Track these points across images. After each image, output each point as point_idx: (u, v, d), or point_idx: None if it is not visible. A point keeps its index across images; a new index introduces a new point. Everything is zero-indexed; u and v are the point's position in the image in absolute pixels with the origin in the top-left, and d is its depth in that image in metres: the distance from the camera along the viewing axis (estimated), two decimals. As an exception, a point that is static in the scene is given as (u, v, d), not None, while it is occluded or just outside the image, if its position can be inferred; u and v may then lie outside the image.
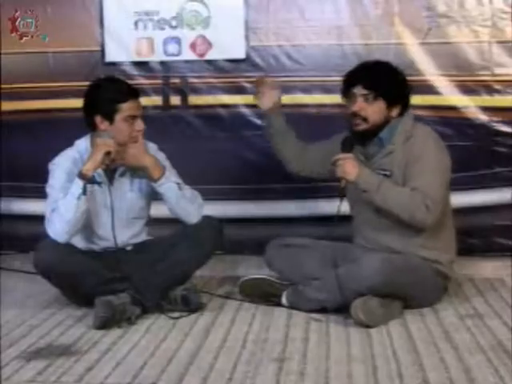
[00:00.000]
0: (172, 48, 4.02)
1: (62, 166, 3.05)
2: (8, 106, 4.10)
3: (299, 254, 3.19)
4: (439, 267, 3.04)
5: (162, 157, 3.16)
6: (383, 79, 3.01)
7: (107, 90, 3.04)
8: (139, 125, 3.04)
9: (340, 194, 3.01)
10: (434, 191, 2.92)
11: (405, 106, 3.06)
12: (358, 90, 3.01)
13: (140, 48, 4.04)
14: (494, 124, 3.86)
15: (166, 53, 4.04)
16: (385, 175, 3.00)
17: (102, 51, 4.04)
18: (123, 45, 4.04)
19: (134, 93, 3.07)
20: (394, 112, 3.03)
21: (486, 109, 3.86)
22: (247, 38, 3.97)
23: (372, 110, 3.00)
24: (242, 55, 3.98)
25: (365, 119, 3.01)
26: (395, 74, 3.06)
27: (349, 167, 2.94)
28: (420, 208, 2.90)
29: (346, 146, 3.02)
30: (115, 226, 3.04)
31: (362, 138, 3.05)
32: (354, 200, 3.12)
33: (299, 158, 3.32)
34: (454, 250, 3.14)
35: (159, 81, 4.07)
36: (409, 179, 2.96)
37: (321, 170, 3.25)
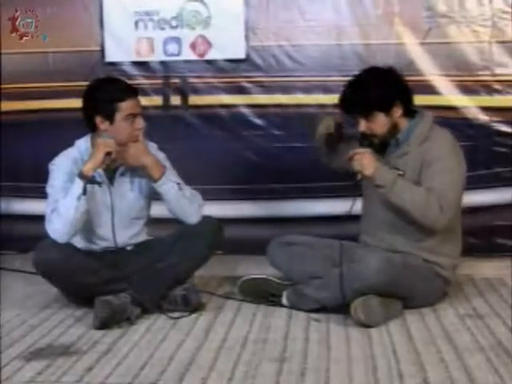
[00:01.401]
0: (172, 48, 4.02)
1: (62, 166, 3.05)
2: (8, 105, 4.11)
3: (301, 252, 3.18)
4: (440, 270, 3.04)
5: (162, 157, 3.16)
6: (369, 95, 2.96)
7: (106, 90, 3.04)
8: (140, 123, 3.04)
9: (355, 187, 3.02)
10: (450, 193, 2.92)
11: (405, 102, 3.03)
12: (356, 114, 3.02)
13: (140, 48, 4.04)
14: (494, 124, 3.86)
15: (165, 53, 4.04)
16: (398, 174, 2.98)
17: (102, 51, 4.04)
18: (123, 45, 4.04)
19: (132, 91, 3.07)
20: (397, 113, 3.02)
21: (486, 109, 3.86)
22: (247, 38, 3.97)
23: (375, 125, 3.00)
24: (242, 55, 3.98)
25: (373, 136, 3.02)
26: (379, 80, 3.00)
27: (366, 161, 2.93)
28: (434, 208, 2.89)
29: (364, 142, 3.02)
30: (115, 226, 3.04)
31: (380, 147, 3.05)
32: (366, 195, 3.12)
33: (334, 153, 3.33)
34: (459, 255, 3.14)
35: (159, 81, 4.07)
36: (425, 180, 2.95)
37: (342, 164, 3.23)
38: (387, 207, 3.01)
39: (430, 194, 2.90)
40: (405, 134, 3.04)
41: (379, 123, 3.00)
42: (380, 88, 2.99)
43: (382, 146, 3.06)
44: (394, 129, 3.03)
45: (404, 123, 3.05)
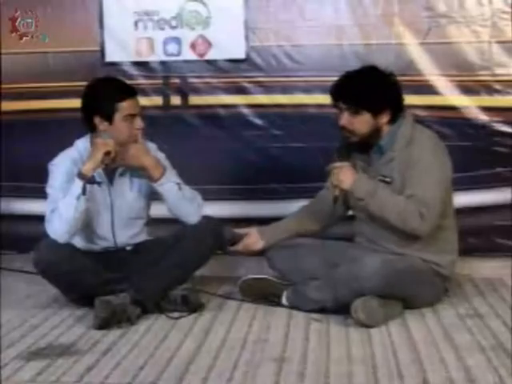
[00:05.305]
0: (172, 48, 4.02)
1: (61, 166, 3.05)
2: (8, 105, 4.11)
3: (300, 254, 3.18)
4: (439, 269, 3.04)
5: (161, 157, 3.16)
6: (364, 92, 2.94)
7: (105, 91, 3.05)
8: (138, 123, 3.04)
9: (334, 201, 3.04)
10: (430, 198, 2.89)
11: (395, 110, 3.01)
12: (342, 105, 2.98)
13: (140, 48, 4.04)
14: (494, 124, 3.86)
15: (165, 53, 4.04)
16: (386, 182, 2.97)
17: (102, 51, 4.04)
18: (123, 45, 4.04)
19: (131, 91, 3.08)
20: (384, 119, 2.99)
21: (486, 109, 3.85)
22: (247, 38, 3.96)
23: (358, 122, 2.97)
24: (242, 55, 3.98)
25: (352, 132, 2.99)
26: (378, 83, 2.98)
27: (344, 175, 2.94)
28: (414, 216, 2.88)
29: (342, 155, 3.02)
30: (115, 226, 3.05)
31: (359, 147, 3.05)
32: (354, 202, 3.12)
33: (328, 219, 3.28)
34: (456, 251, 3.13)
35: (159, 81, 4.07)
36: (406, 186, 2.94)
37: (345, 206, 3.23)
38: (369, 217, 3.02)
39: (409, 202, 2.89)
40: (388, 140, 3.01)
41: (362, 122, 2.97)
42: (376, 90, 2.96)
43: (362, 147, 3.04)
44: (376, 133, 3.00)
45: (387, 129, 3.01)
